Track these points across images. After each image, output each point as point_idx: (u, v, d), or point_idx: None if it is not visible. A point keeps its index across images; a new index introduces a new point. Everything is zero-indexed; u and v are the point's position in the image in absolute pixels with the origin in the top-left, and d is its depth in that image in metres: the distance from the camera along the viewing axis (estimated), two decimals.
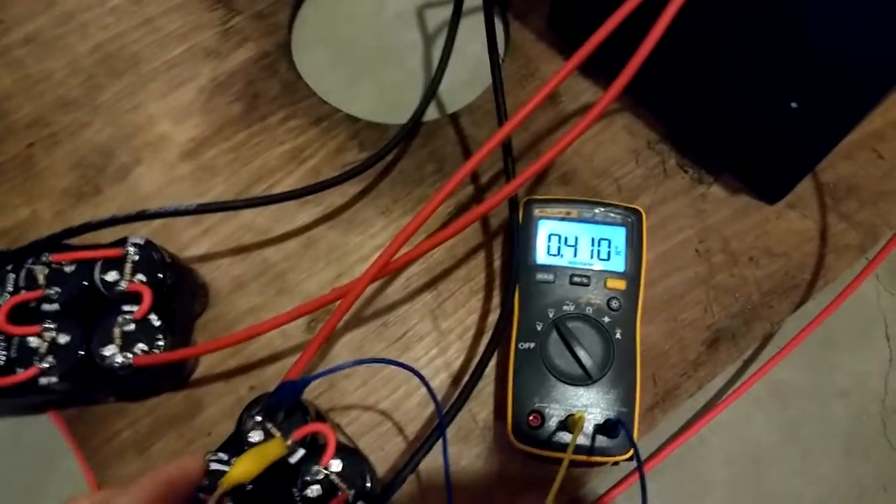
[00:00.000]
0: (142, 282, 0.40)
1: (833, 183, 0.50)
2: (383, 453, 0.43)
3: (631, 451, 0.40)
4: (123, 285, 0.39)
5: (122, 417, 0.43)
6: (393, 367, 0.44)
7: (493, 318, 0.46)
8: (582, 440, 0.40)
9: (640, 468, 0.36)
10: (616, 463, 0.41)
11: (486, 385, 0.44)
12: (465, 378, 0.40)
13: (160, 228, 0.47)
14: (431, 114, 0.53)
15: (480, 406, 0.44)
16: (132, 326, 0.39)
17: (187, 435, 0.43)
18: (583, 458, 0.40)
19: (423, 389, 0.44)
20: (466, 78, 0.54)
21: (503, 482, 0.42)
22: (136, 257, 0.40)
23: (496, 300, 0.46)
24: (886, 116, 0.52)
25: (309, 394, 0.44)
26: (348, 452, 0.37)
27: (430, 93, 0.50)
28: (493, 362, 0.44)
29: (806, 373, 0.47)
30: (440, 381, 0.45)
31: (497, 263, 0.47)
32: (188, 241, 0.47)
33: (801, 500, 0.44)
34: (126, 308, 0.39)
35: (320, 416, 0.39)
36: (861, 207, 0.49)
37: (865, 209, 0.49)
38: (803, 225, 0.49)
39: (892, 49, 0.34)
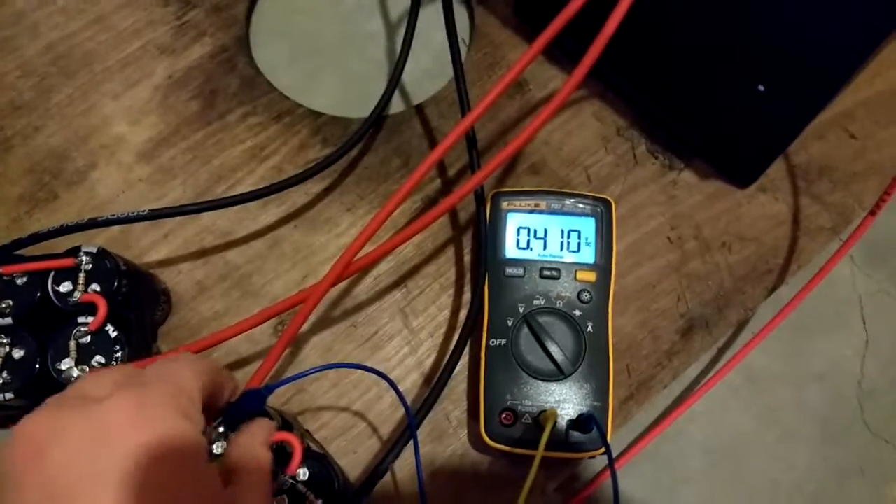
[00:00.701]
0: (96, 292, 0.38)
1: (805, 164, 0.49)
2: (355, 457, 0.42)
3: (605, 446, 0.39)
4: (77, 296, 0.38)
5: None
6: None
7: (466, 314, 0.45)
8: (556, 436, 0.39)
9: (611, 465, 0.36)
10: (593, 457, 0.40)
11: (460, 383, 0.43)
12: (437, 377, 0.39)
13: (118, 234, 0.46)
14: (396, 106, 0.51)
15: (454, 405, 0.43)
16: (88, 338, 0.38)
17: None
18: (557, 454, 0.39)
19: None
20: (431, 67, 0.53)
21: (478, 481, 0.42)
22: (90, 266, 0.39)
23: (467, 296, 0.45)
24: (857, 96, 0.52)
25: (277, 399, 0.43)
26: (316, 459, 0.36)
27: (393, 84, 0.48)
28: (465, 360, 0.44)
29: (781, 358, 0.46)
30: (412, 381, 0.44)
31: (467, 258, 0.46)
32: (147, 246, 0.46)
33: (778, 486, 0.44)
34: (81, 319, 0.38)
35: (287, 423, 0.38)
36: (833, 188, 0.49)
37: (838, 190, 0.49)
38: (776, 208, 0.48)
39: (856, 29, 0.34)
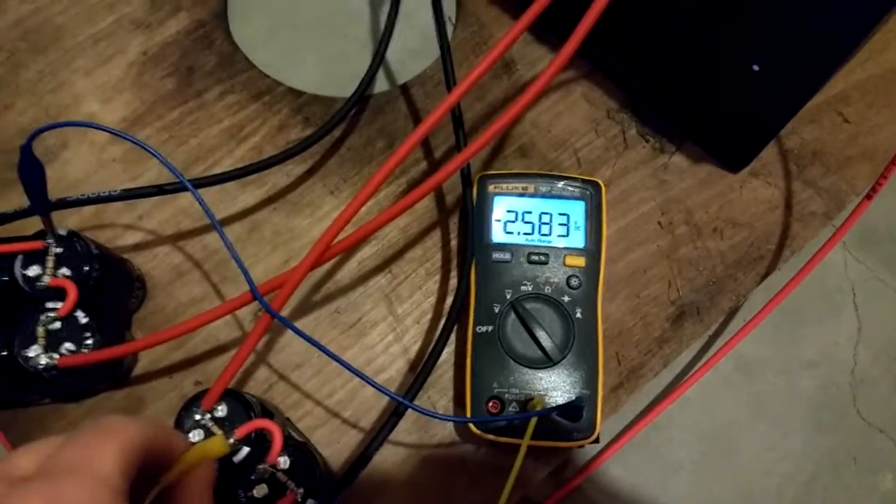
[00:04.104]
0: (66, 276, 0.37)
1: (797, 149, 0.48)
2: (339, 446, 0.41)
3: (595, 434, 0.38)
4: (46, 280, 0.36)
5: (59, 419, 0.41)
6: (347, 356, 0.42)
7: (452, 300, 0.44)
8: (544, 425, 0.38)
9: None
10: (581, 446, 0.39)
11: (446, 371, 0.42)
12: (422, 364, 0.38)
13: (90, 217, 0.44)
14: (381, 85, 0.50)
15: (439, 393, 0.42)
16: (57, 325, 0.36)
17: None
18: (545, 443, 0.38)
19: (379, 377, 0.42)
20: (417, 46, 0.51)
21: (465, 470, 0.41)
22: (59, 249, 0.37)
23: (454, 281, 0.44)
24: (849, 78, 0.51)
25: (258, 387, 0.41)
26: (297, 448, 0.35)
27: (377, 62, 0.47)
28: (451, 348, 0.42)
29: (773, 345, 0.46)
30: (397, 369, 0.42)
31: (454, 243, 0.45)
32: (122, 229, 0.44)
33: (771, 476, 0.43)
34: (50, 305, 0.36)
35: (267, 412, 0.36)
36: (826, 173, 0.48)
37: (831, 175, 0.48)
38: (768, 193, 0.47)
39: (857, 3, 0.33)
